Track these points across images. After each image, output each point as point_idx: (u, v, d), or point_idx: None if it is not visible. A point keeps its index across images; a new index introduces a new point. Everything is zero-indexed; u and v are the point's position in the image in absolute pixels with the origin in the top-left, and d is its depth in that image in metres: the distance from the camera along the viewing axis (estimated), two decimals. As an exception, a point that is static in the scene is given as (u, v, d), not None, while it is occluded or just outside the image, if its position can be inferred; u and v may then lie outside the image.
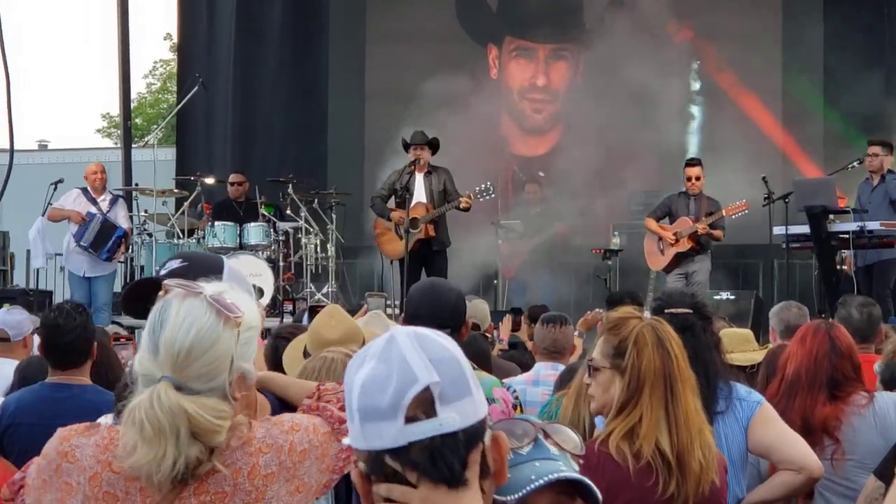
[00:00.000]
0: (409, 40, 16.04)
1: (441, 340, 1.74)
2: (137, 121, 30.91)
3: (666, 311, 3.80)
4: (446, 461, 1.68)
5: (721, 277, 12.85)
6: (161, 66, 36.29)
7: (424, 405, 1.68)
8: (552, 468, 1.93)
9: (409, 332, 1.74)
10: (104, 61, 50.73)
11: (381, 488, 1.71)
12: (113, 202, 12.49)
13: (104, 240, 12.14)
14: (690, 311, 3.84)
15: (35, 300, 12.62)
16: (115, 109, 29.83)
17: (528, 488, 1.89)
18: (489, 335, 7.30)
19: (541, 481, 1.91)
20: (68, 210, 12.30)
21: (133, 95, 21.78)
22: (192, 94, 14.41)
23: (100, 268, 12.27)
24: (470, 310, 4.53)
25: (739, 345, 5.46)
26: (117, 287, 13.76)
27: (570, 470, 1.95)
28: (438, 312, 4.11)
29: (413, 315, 4.18)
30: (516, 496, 1.89)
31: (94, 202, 12.36)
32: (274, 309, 11.96)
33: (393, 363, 1.70)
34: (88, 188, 12.51)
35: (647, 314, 3.30)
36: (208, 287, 2.31)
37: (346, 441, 1.77)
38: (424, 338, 1.73)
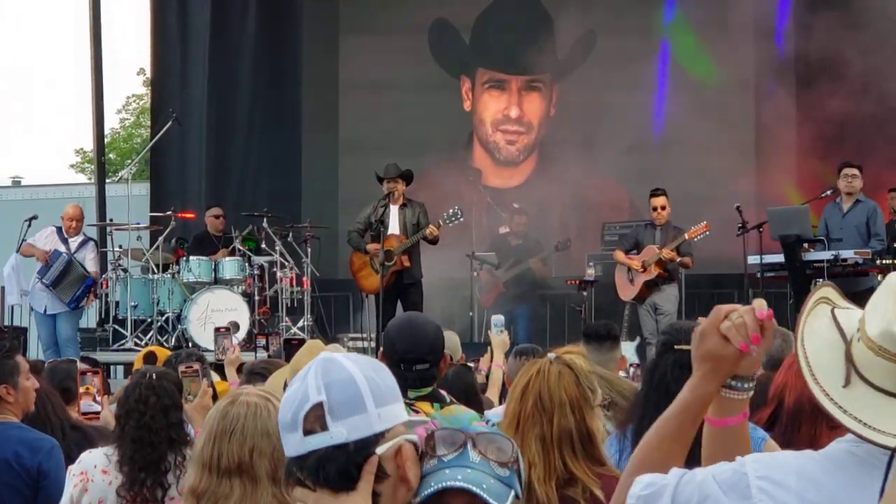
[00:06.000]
0: (383, 73, 16.04)
1: (346, 364, 1.98)
2: (111, 156, 30.80)
3: (675, 347, 3.82)
4: (327, 468, 1.94)
5: (696, 307, 12.86)
6: (134, 100, 36.22)
7: (320, 420, 1.94)
8: (453, 476, 2.03)
9: (323, 357, 2.01)
10: (77, 96, 50.66)
11: (292, 490, 1.99)
12: (83, 244, 12.45)
13: (71, 285, 12.10)
14: None
15: (9, 336, 12.50)
16: (88, 145, 29.79)
17: (423, 493, 2.04)
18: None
19: (433, 488, 2.03)
20: (37, 249, 12.33)
21: (106, 130, 21.74)
22: (166, 129, 14.38)
23: (60, 304, 12.21)
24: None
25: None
26: (90, 322, 13.70)
27: (489, 476, 2.03)
28: (416, 347, 4.11)
29: (391, 350, 4.17)
30: (416, 499, 2.04)
31: (65, 241, 12.36)
32: (249, 343, 11.90)
33: (301, 384, 1.98)
34: (63, 228, 12.50)
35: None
36: None
37: None
38: (331, 362, 1.99)
